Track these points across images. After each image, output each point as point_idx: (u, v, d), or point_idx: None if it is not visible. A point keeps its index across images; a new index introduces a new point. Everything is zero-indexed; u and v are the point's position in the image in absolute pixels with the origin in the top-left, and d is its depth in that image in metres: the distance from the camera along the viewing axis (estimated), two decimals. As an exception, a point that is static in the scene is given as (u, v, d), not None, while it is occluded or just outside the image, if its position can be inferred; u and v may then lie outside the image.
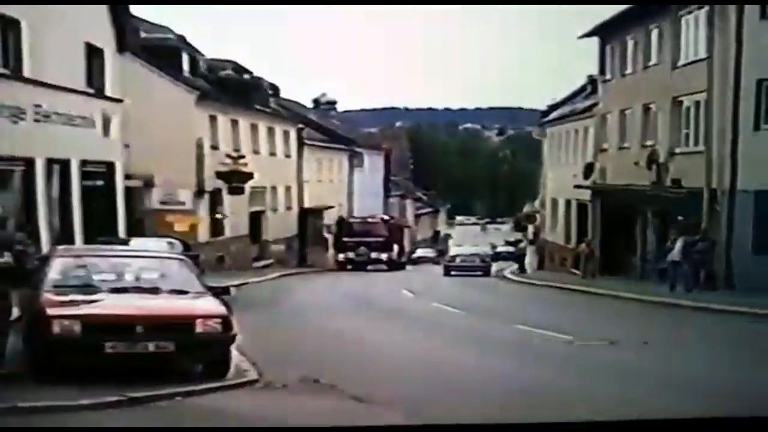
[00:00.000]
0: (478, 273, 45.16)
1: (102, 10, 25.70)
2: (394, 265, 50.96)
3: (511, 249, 65.04)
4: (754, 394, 10.91)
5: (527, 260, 51.55)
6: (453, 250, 54.27)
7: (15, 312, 11.48)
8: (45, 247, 18.95)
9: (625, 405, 10.25)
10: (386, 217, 57.75)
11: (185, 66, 40.24)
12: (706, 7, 28.26)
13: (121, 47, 27.05)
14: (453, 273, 45.24)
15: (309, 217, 53.91)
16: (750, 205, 26.30)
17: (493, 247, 73.00)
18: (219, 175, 39.07)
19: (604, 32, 37.23)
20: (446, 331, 18.90)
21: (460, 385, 12.00)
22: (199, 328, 11.25)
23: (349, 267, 50.09)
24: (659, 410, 9.87)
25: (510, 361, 14.29)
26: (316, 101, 74.46)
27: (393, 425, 9.98)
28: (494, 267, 50.17)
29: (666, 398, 10.62)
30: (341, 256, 51.37)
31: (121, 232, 26.41)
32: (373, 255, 50.39)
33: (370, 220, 54.35)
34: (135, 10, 28.34)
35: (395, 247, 53.28)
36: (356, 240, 50.91)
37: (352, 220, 55.43)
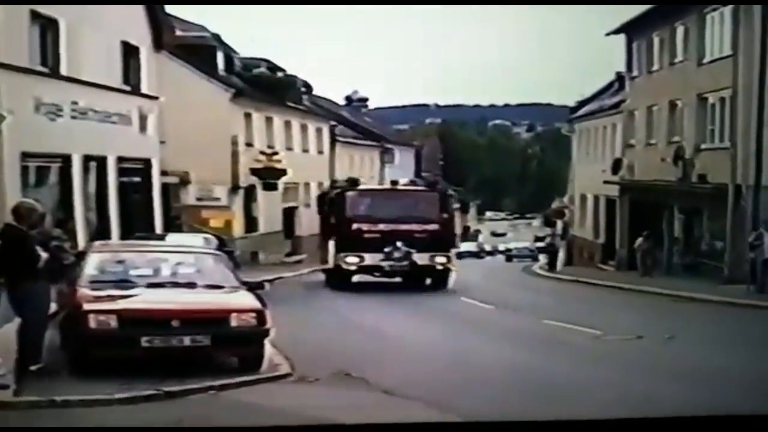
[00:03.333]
0: (528, 259, 59.63)
1: (138, 9, 25.93)
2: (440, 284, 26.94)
3: (535, 245, 65.44)
4: None
5: (560, 255, 44.73)
6: (511, 245, 77.36)
7: (53, 307, 11.64)
8: (82, 242, 19.18)
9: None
10: (433, 181, 34.42)
11: (220, 64, 40.48)
12: (731, 5, 28.09)
13: (158, 45, 27.28)
14: (513, 260, 64.10)
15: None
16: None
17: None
18: (253, 171, 39.25)
19: (631, 29, 37.06)
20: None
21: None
22: (234, 323, 11.36)
23: (355, 279, 26.69)
24: None
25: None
26: (348, 98, 74.53)
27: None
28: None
29: None
30: (348, 261, 26.12)
31: (158, 227, 26.64)
32: (417, 259, 25.88)
33: (405, 187, 29.97)
34: (171, 8, 28.55)
35: (455, 242, 30.46)
36: (380, 230, 25.97)
37: (364, 188, 29.63)
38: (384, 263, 25.81)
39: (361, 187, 28.78)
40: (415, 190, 29.85)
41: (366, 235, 25.80)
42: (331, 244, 26.94)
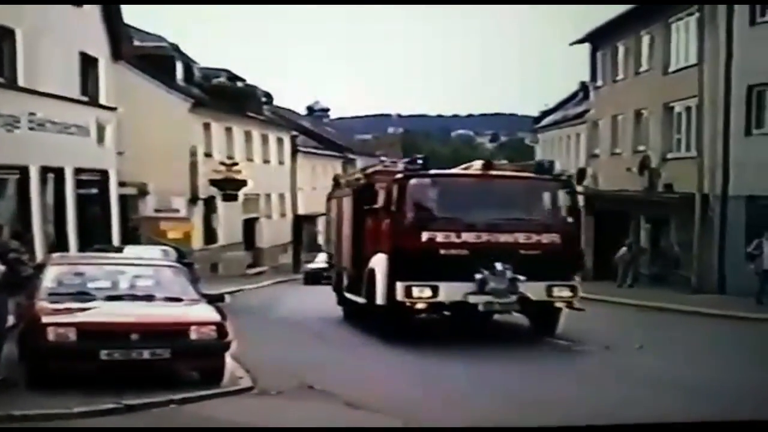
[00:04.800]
0: None
1: (96, 19, 25.77)
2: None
3: None
4: None
5: None
6: None
7: (11, 320, 11.53)
8: (40, 255, 19.00)
9: None
10: (548, 164, 19.20)
11: (179, 74, 40.33)
12: (696, 14, 28.42)
13: (116, 56, 27.13)
14: None
15: (303, 223, 53.91)
16: (742, 210, 26.40)
17: None
18: (213, 182, 39.11)
19: (595, 39, 37.34)
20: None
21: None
22: (194, 335, 11.31)
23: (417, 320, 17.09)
24: None
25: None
26: (309, 108, 74.59)
27: (390, 427, 10.06)
28: None
29: None
30: (413, 294, 15.97)
31: (116, 239, 26.47)
32: (529, 292, 16.20)
33: (506, 173, 18.19)
34: (129, 18, 28.42)
35: (581, 262, 23.06)
36: (466, 243, 16.24)
37: (440, 173, 18.19)
38: (474, 299, 15.75)
39: (435, 171, 17.49)
40: (523, 177, 17.56)
41: (444, 252, 15.88)
42: (380, 262, 16.67)
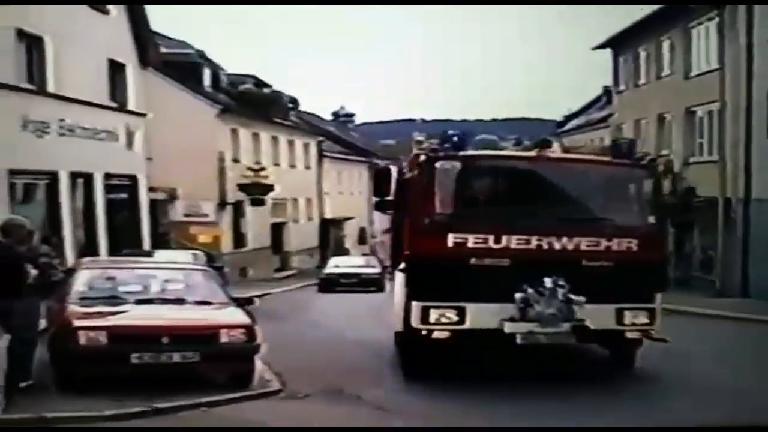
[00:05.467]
0: None
1: (123, 26, 25.95)
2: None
3: None
4: None
5: None
6: None
7: (42, 324, 11.62)
8: (70, 259, 19.15)
9: None
10: (628, 145, 13.35)
11: (206, 81, 40.56)
12: (716, 18, 28.30)
13: (144, 63, 27.30)
14: None
15: (330, 227, 54.03)
16: (765, 213, 26.24)
17: None
18: (241, 187, 39.28)
19: (617, 44, 37.29)
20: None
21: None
22: (223, 339, 11.35)
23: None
24: None
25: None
26: (335, 114, 74.75)
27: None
28: None
29: None
30: (433, 319, 11.91)
31: (146, 244, 26.62)
32: (589, 318, 11.85)
33: (567, 156, 13.60)
34: (155, 25, 28.58)
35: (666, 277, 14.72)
36: (508, 249, 11.98)
37: (479, 154, 12.78)
38: (510, 327, 11.81)
39: (474, 152, 12.69)
40: (592, 162, 13.37)
41: (476, 261, 11.93)
42: (398, 275, 13.53)
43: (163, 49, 35.38)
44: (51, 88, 21.22)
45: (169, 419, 9.91)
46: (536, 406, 10.88)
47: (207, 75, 40.84)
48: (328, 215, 53.71)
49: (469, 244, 11.93)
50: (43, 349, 11.57)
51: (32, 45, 20.82)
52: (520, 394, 11.45)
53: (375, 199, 14.34)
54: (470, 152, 12.48)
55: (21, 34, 20.09)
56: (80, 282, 12.42)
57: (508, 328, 11.72)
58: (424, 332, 11.90)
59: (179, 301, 12.16)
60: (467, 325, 11.86)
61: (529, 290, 11.68)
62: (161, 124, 29.52)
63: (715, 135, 28.94)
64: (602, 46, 38.45)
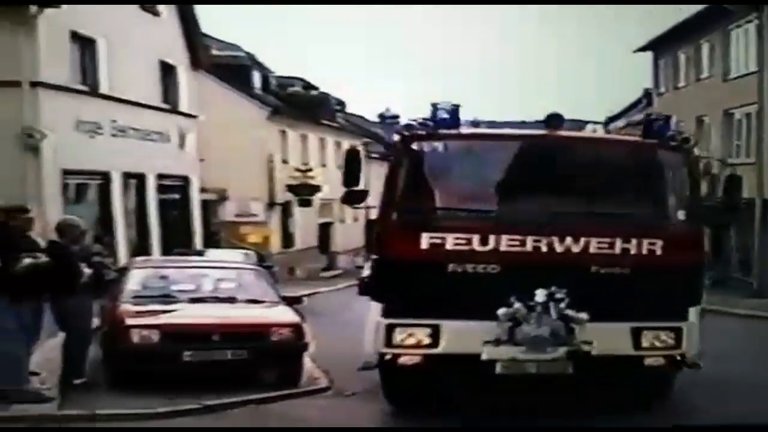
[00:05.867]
0: None
1: (174, 29, 26.20)
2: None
3: None
4: None
5: None
6: None
7: (96, 322, 11.79)
8: (123, 258, 19.38)
9: None
10: (655, 121, 10.58)
11: (256, 83, 40.87)
12: (755, 21, 28.14)
13: (195, 65, 27.55)
14: None
15: (374, 228, 54.05)
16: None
17: None
18: (289, 187, 39.54)
19: (657, 47, 37.29)
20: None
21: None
22: (273, 337, 11.45)
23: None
24: None
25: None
26: (381, 116, 74.84)
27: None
28: None
29: None
30: (397, 341, 9.47)
31: (197, 243, 26.86)
32: (594, 341, 9.31)
33: (579, 135, 11.06)
34: (206, 28, 28.82)
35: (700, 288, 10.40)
36: (498, 251, 9.47)
37: (470, 132, 10.20)
38: (489, 352, 9.39)
39: (460, 130, 10.09)
40: (612, 142, 11.66)
41: (455, 268, 9.55)
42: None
43: (214, 52, 35.73)
44: (104, 89, 21.47)
45: (219, 417, 10.00)
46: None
47: (257, 77, 41.14)
48: (373, 216, 53.79)
49: (448, 246, 9.40)
50: (98, 347, 11.76)
51: (85, 47, 21.08)
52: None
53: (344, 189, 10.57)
54: (456, 131, 9.91)
55: (75, 36, 20.35)
56: (133, 281, 12.57)
57: (486, 353, 9.18)
58: (388, 356, 9.47)
59: (230, 300, 12.29)
60: (442, 348, 9.32)
61: (517, 304, 9.11)
62: (212, 126, 29.74)
63: (753, 137, 28.89)
64: (643, 49, 38.46)
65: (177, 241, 24.57)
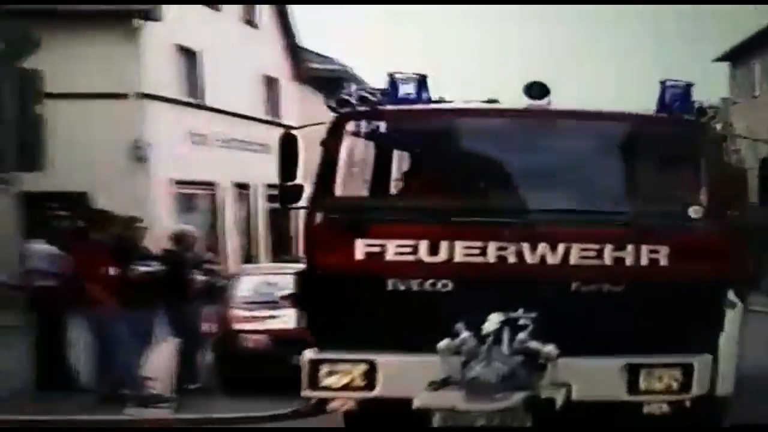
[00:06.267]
0: None
1: (275, 41, 26.58)
2: None
3: None
4: None
5: None
6: None
7: (208, 327, 11.98)
8: (232, 266, 19.68)
9: None
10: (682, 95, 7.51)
11: (352, 95, 41.15)
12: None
13: (294, 77, 27.90)
14: None
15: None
16: None
17: None
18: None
19: (733, 57, 37.49)
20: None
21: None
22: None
23: None
24: None
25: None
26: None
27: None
28: None
29: None
30: (321, 378, 7.11)
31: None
32: (573, 383, 6.83)
33: (566, 110, 7.75)
34: (304, 41, 29.24)
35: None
36: (448, 265, 7.09)
37: (422, 107, 7.65)
38: (424, 400, 6.80)
39: (412, 106, 7.67)
40: (607, 116, 7.87)
41: (397, 284, 7.16)
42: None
43: (312, 65, 36.10)
44: (208, 101, 21.88)
45: (331, 418, 10.02)
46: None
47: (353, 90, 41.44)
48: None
49: (389, 256, 7.17)
50: (208, 353, 11.93)
51: (190, 59, 21.51)
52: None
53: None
54: (405, 106, 7.67)
55: (180, 49, 20.80)
56: (243, 287, 12.73)
57: (419, 399, 6.78)
58: (313, 400, 7.62)
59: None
60: (379, 391, 7.04)
61: (464, 333, 6.71)
62: (315, 138, 29.95)
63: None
64: (720, 59, 38.49)
65: (283, 249, 24.88)
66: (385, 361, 6.97)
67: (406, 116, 7.74)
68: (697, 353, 7.11)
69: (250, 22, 24.65)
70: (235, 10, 23.77)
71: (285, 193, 8.07)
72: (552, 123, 7.75)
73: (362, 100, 7.61)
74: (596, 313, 6.96)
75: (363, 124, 7.80)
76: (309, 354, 7.17)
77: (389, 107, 7.65)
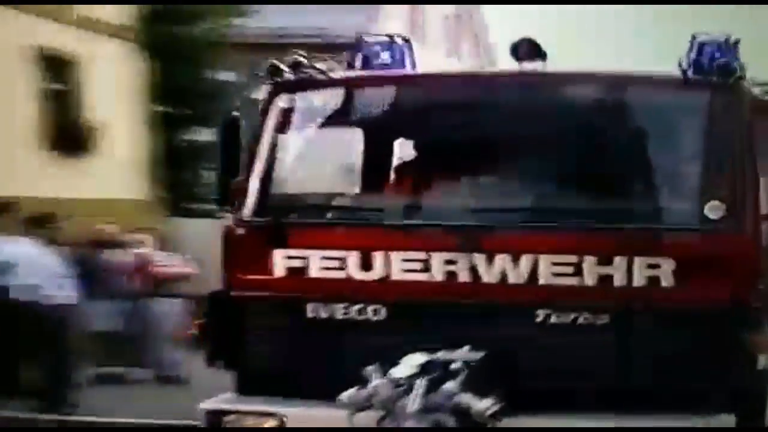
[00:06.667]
0: None
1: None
2: None
3: None
4: None
5: None
6: None
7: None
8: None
9: None
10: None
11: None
12: None
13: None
14: None
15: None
16: None
17: None
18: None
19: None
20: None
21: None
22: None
23: None
24: None
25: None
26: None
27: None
28: None
29: None
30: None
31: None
32: None
33: (564, 72, 5.86)
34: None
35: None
36: (416, 283, 5.31)
37: (378, 73, 5.95)
38: None
39: (360, 72, 6.00)
40: (611, 78, 5.73)
41: (321, 311, 5.44)
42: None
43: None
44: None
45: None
46: None
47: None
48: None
49: (312, 272, 5.47)
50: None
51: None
52: None
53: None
54: (351, 73, 6.03)
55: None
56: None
57: None
58: None
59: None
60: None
61: (376, 380, 4.90)
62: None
63: None
64: None
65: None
66: (297, 414, 5.22)
67: (353, 85, 5.84)
68: (715, 412, 4.94)
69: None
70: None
71: (224, 191, 5.83)
72: (533, 91, 5.68)
73: (296, 66, 5.67)
74: (569, 354, 5.09)
75: (298, 98, 5.79)
76: (206, 404, 5.50)
77: (333, 75, 5.77)
